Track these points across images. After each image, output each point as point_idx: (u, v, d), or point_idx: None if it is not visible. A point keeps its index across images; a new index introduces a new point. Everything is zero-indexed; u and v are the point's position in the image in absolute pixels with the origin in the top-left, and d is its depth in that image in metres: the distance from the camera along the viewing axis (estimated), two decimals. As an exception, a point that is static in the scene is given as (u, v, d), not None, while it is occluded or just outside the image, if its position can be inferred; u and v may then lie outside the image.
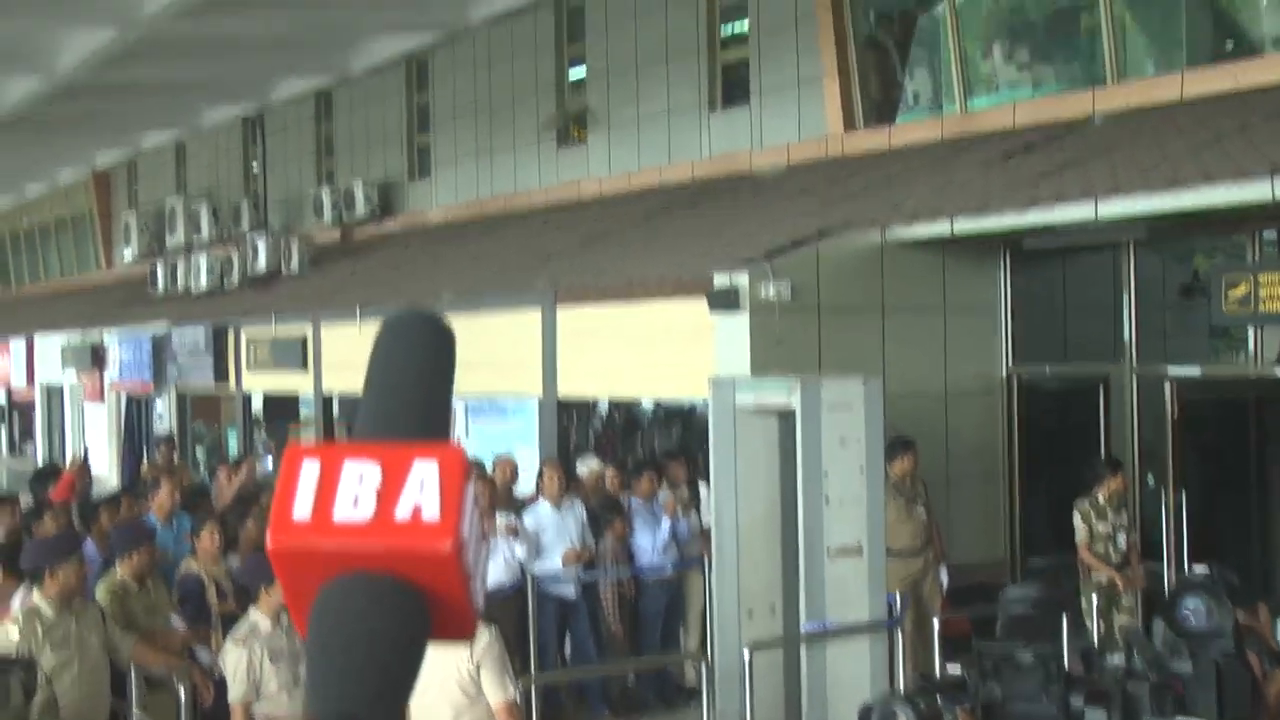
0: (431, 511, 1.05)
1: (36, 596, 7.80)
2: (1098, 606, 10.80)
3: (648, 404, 15.26)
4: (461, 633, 1.11)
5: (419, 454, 1.07)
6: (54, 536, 9.36)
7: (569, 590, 11.63)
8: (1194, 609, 1.75)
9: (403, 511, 1.05)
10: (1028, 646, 1.80)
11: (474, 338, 15.80)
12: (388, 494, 1.05)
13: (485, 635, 6.55)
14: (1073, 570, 11.38)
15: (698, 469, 12.83)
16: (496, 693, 6.50)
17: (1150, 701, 1.88)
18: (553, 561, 11.48)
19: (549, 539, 11.48)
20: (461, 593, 1.07)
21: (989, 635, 5.43)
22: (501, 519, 11.37)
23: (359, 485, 1.06)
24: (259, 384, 20.54)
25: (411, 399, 1.12)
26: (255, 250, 23.83)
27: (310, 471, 1.07)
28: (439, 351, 1.15)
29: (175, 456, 18.01)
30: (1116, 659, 1.83)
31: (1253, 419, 11.55)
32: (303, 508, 1.06)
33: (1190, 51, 13.93)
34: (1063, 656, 1.76)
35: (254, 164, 28.65)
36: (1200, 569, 2.08)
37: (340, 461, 1.07)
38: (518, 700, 6.67)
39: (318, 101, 26.66)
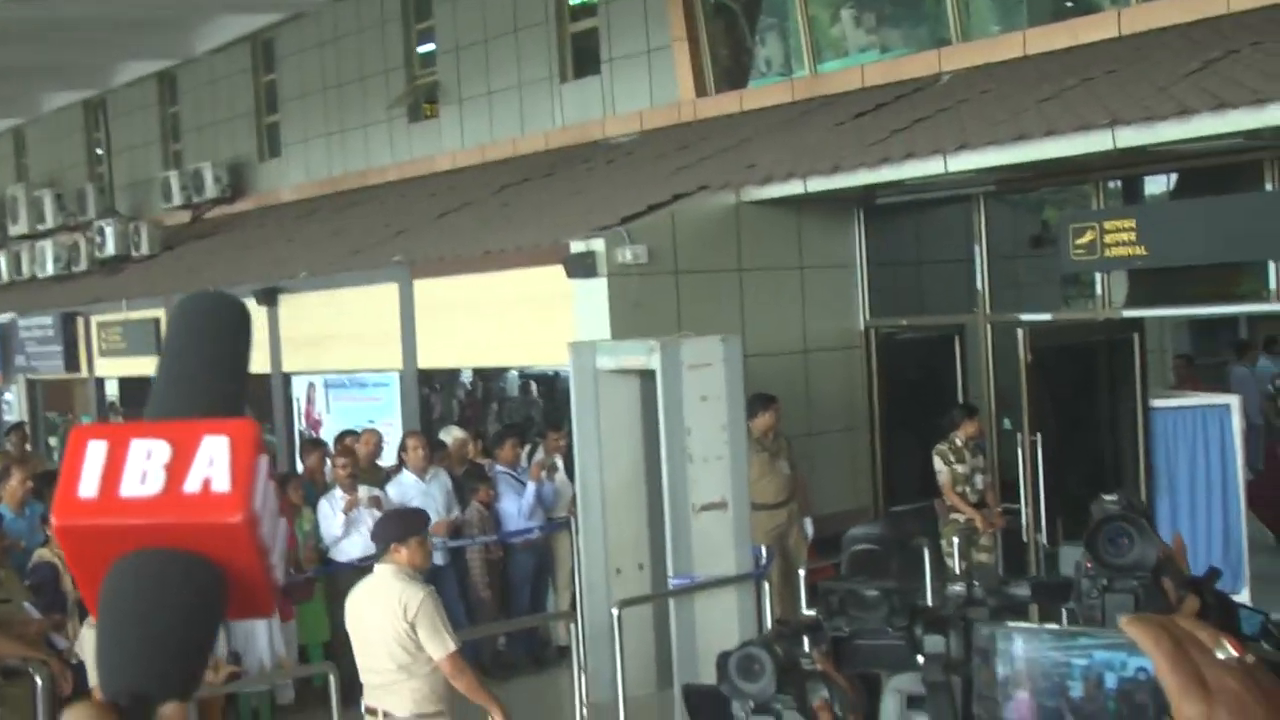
0: (222, 484, 1.03)
1: None
2: (958, 546, 11.01)
3: (512, 373, 15.24)
4: (259, 609, 1.09)
5: (209, 429, 1.05)
6: None
7: (436, 558, 11.58)
8: (1116, 543, 1.81)
9: (192, 485, 1.03)
10: (871, 582, 1.85)
11: (331, 314, 15.68)
12: (177, 469, 1.04)
13: (420, 594, 6.86)
14: (932, 514, 11.59)
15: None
16: (436, 648, 6.81)
17: (990, 622, 1.94)
18: None
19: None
20: (257, 568, 1.05)
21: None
22: (364, 491, 11.29)
23: (147, 461, 1.04)
24: (113, 369, 20.14)
25: (204, 378, 1.11)
26: (102, 235, 23.32)
27: (97, 450, 1.05)
28: (232, 330, 1.13)
29: (27, 445, 17.58)
30: (959, 588, 1.91)
31: (1103, 361, 11.83)
32: (89, 486, 1.03)
33: (1031, 10, 14.23)
34: (906, 591, 1.82)
35: (98, 149, 28.05)
36: (1110, 498, 2.14)
37: (128, 440, 1.05)
38: (460, 651, 6.91)
39: (161, 84, 26.17)
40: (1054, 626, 1.31)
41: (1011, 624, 1.34)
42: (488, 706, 6.91)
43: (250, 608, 1.08)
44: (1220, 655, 1.19)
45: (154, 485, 1.03)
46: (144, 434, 1.05)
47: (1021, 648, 1.27)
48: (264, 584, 1.07)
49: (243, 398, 1.12)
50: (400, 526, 7.20)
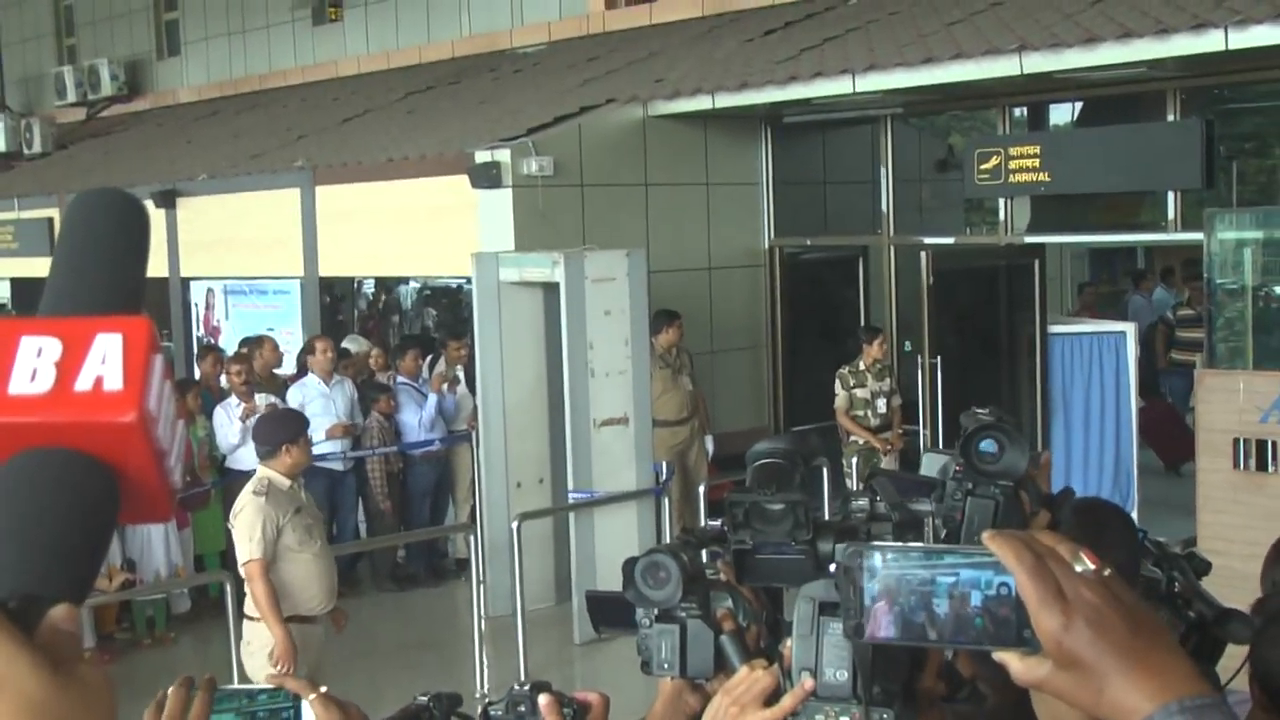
0: (114, 383, 0.99)
1: None
2: (856, 467, 11.13)
3: (412, 284, 15.12)
4: (156, 513, 1.07)
5: (102, 327, 1.01)
6: None
7: (337, 465, 11.55)
8: (990, 447, 1.84)
9: (83, 383, 0.99)
10: (776, 495, 1.86)
11: (231, 219, 15.45)
12: (68, 367, 1.00)
13: (245, 501, 7.20)
14: (834, 434, 11.70)
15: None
16: (241, 553, 7.12)
17: (894, 537, 1.98)
18: (318, 436, 11.34)
19: (315, 414, 11.31)
20: (152, 470, 1.03)
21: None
22: (261, 399, 11.17)
23: (37, 359, 1.00)
24: (4, 270, 19.72)
25: (99, 276, 1.07)
26: (-8, 130, 22.75)
27: None
28: (128, 228, 1.10)
29: None
30: (863, 502, 1.92)
31: (1003, 286, 11.95)
32: None
33: (943, -69, 14.19)
34: (810, 504, 1.83)
35: (-11, 43, 27.30)
36: (982, 410, 2.17)
37: (17, 337, 1.01)
38: (260, 563, 7.03)
39: (55, -25, 25.51)
40: (920, 545, 1.38)
41: (878, 543, 1.37)
42: (269, 625, 6.95)
43: (146, 512, 1.06)
44: (1079, 568, 1.23)
45: (44, 383, 0.99)
46: (35, 330, 1.01)
47: (888, 566, 1.29)
48: (160, 487, 1.04)
49: (139, 297, 1.09)
50: (287, 428, 7.39)
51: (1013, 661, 1.25)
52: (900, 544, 1.36)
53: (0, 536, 0.99)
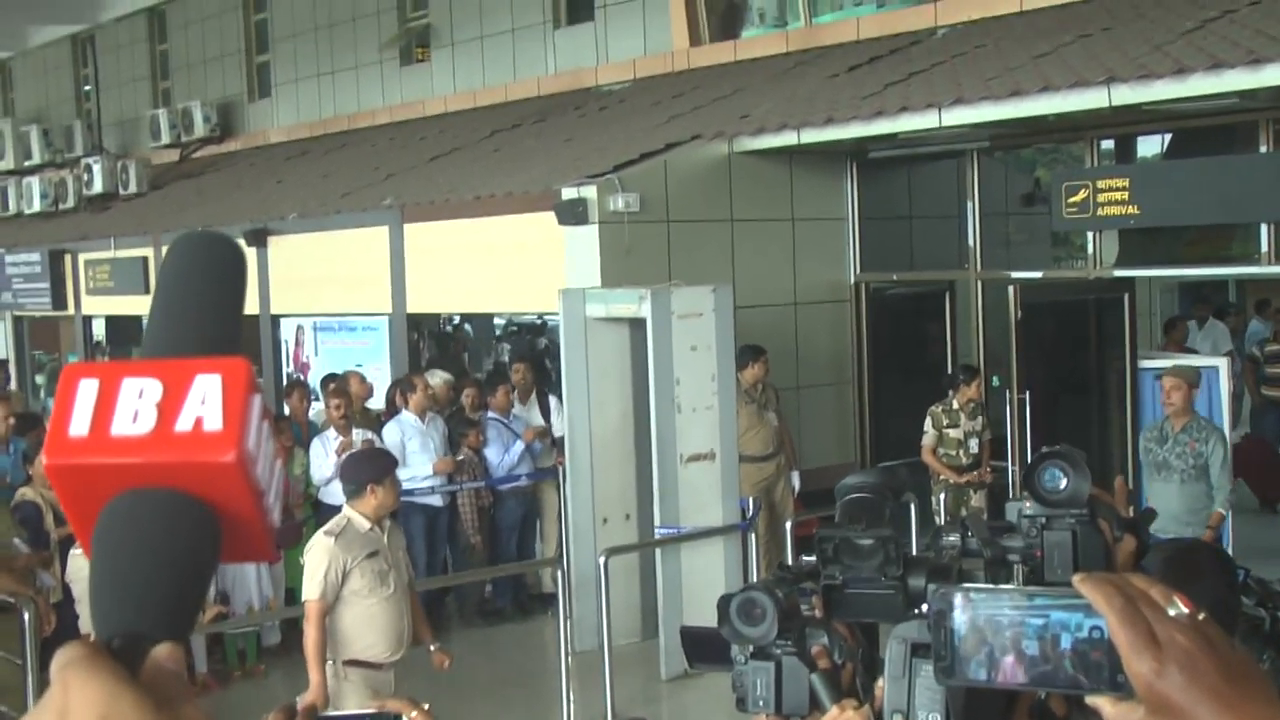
0: (214, 423, 1.01)
1: None
2: (945, 503, 11.04)
3: (499, 320, 15.23)
4: (256, 553, 1.07)
5: (201, 368, 1.03)
6: None
7: (434, 500, 11.62)
8: (1054, 477, 1.82)
9: (184, 424, 1.01)
10: (866, 530, 1.85)
11: (321, 256, 15.64)
12: (168, 408, 1.01)
13: (317, 541, 7.12)
14: (922, 470, 11.62)
15: (547, 378, 12.88)
16: (305, 591, 7.07)
17: (985, 575, 1.96)
18: (422, 471, 11.41)
19: (415, 450, 11.42)
20: (251, 509, 1.04)
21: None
22: (358, 434, 11.27)
23: (139, 400, 1.02)
24: (100, 308, 20.08)
25: (197, 317, 1.08)
26: (90, 172, 23.18)
27: (88, 389, 1.03)
28: (226, 270, 1.11)
29: (7, 382, 17.51)
30: (953, 538, 1.91)
31: (1092, 320, 11.84)
32: (80, 424, 1.01)
33: (1029, -36, 14.14)
34: (900, 540, 1.82)
35: (86, 85, 27.85)
36: (1047, 449, 2.17)
37: (119, 378, 1.03)
38: (320, 604, 6.99)
39: (151, 20, 25.99)
40: (1010, 587, 1.36)
41: (968, 585, 1.37)
42: (310, 668, 6.86)
43: (246, 551, 1.07)
44: (1172, 612, 1.21)
45: (145, 424, 1.01)
46: (136, 372, 1.03)
47: (978, 607, 1.29)
48: (259, 527, 1.05)
49: (237, 337, 1.10)
50: (374, 467, 7.29)
51: (1105, 706, 1.23)
52: (990, 586, 1.37)
53: (104, 577, 1.01)
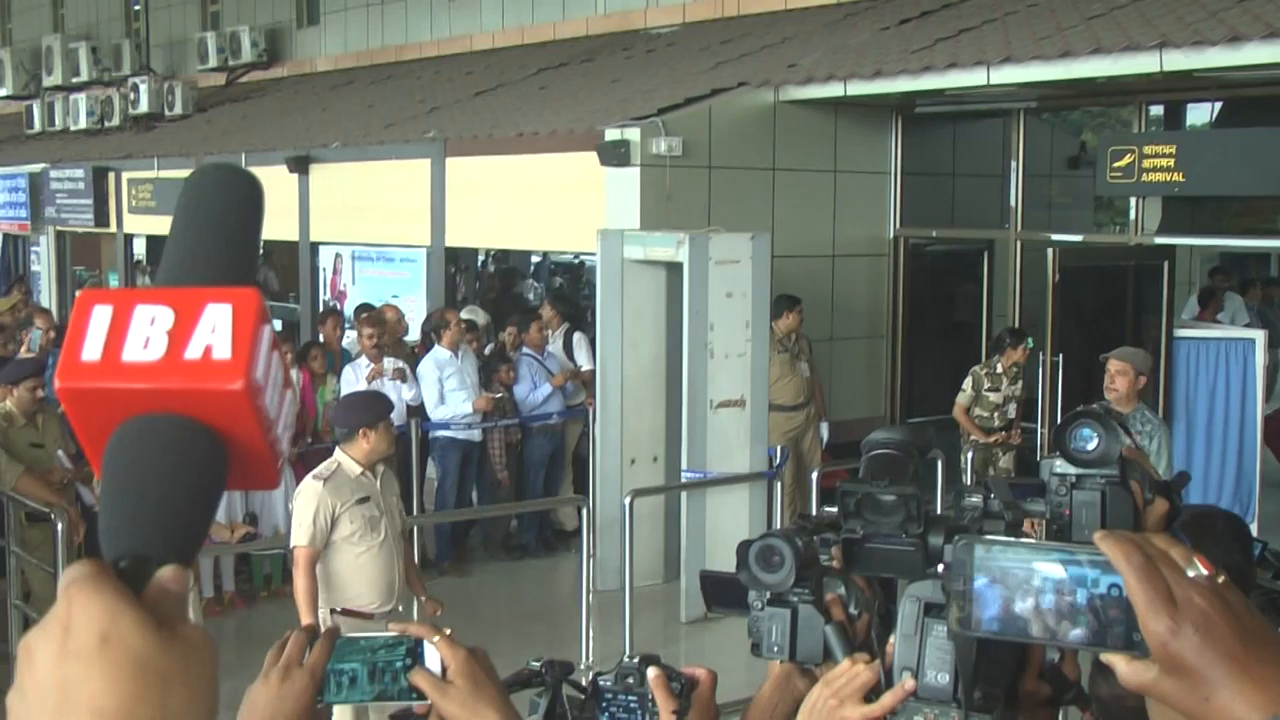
0: (223, 351, 1.03)
1: None
2: (973, 462, 11.03)
3: (535, 257, 15.25)
4: (263, 481, 1.10)
5: (212, 298, 1.05)
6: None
7: (475, 434, 11.67)
8: (1085, 436, 1.81)
9: (193, 351, 1.03)
10: (889, 486, 1.85)
11: (362, 186, 15.67)
12: (179, 336, 1.03)
13: (305, 486, 6.89)
14: (952, 428, 11.61)
15: (578, 317, 12.91)
16: (292, 537, 6.90)
17: (1006, 536, 1.96)
18: (461, 409, 11.46)
19: (453, 388, 11.46)
20: (259, 438, 1.06)
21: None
22: (389, 362, 11.34)
23: (150, 328, 1.04)
24: (142, 227, 20.17)
25: (212, 248, 1.10)
26: (137, 92, 23.24)
27: (102, 315, 1.04)
28: (243, 203, 1.13)
29: (30, 297, 17.59)
30: (976, 499, 1.90)
31: (1130, 287, 11.79)
32: (92, 349, 1.03)
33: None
34: (922, 497, 1.81)
35: (135, 5, 27.88)
36: (1088, 406, 2.16)
37: (132, 305, 1.05)
38: (307, 550, 6.81)
39: (203, -57, 25.99)
40: (1030, 540, 1.35)
41: (989, 536, 1.37)
42: (301, 618, 6.63)
43: (254, 478, 1.09)
44: (1191, 573, 1.22)
45: (156, 350, 1.03)
46: (149, 300, 1.05)
47: (997, 559, 1.30)
48: (266, 455, 1.07)
49: (252, 269, 1.12)
50: (371, 411, 6.98)
51: (1120, 664, 1.25)
52: (1010, 539, 1.36)
53: (113, 500, 1.04)
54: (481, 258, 15.63)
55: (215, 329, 1.03)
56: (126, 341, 1.03)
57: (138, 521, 1.03)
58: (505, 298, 15.53)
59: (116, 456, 1.04)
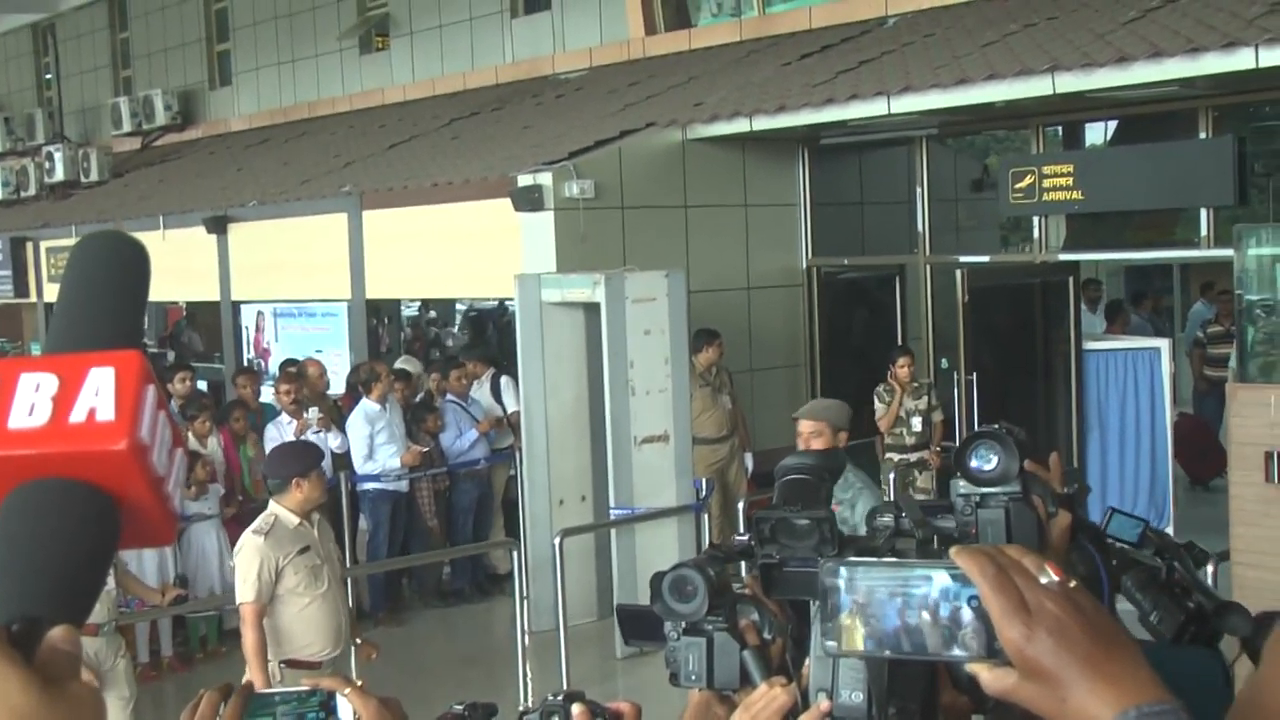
0: (106, 413, 1.04)
1: None
2: (894, 483, 11.23)
3: (458, 305, 15.35)
4: (158, 538, 1.11)
5: (95, 362, 1.07)
6: None
7: (403, 485, 11.74)
8: (984, 456, 1.88)
9: (78, 415, 1.04)
10: (802, 511, 1.90)
11: (281, 243, 15.72)
12: (63, 400, 1.05)
13: (246, 541, 6.85)
14: (869, 451, 11.81)
15: (501, 364, 13.02)
16: (239, 593, 6.85)
17: (917, 555, 2.00)
18: (390, 462, 11.55)
19: (382, 442, 11.54)
20: (149, 496, 1.07)
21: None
22: (312, 413, 11.42)
23: (35, 394, 1.05)
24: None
25: (95, 313, 1.12)
26: (52, 160, 23.15)
27: None
28: (126, 269, 1.16)
29: None
30: (887, 519, 1.96)
31: (1038, 303, 12.04)
32: None
33: (978, -45, 14.32)
34: (834, 520, 1.86)
35: (47, 74, 27.79)
36: (987, 427, 2.24)
37: (17, 374, 1.06)
38: (254, 606, 6.80)
39: (111, 9, 25.97)
40: (893, 559, 1.42)
41: (854, 558, 1.42)
42: (251, 671, 6.63)
43: (148, 535, 1.10)
44: (1043, 580, 1.27)
45: (41, 416, 1.04)
46: (33, 368, 1.07)
47: (862, 579, 1.34)
48: (159, 512, 1.09)
49: (138, 333, 1.15)
50: (299, 461, 7.01)
51: (982, 672, 1.28)
52: (874, 559, 1.41)
53: (4, 564, 1.05)
54: (414, 309, 15.70)
55: (99, 392, 1.05)
56: (12, 409, 1.05)
57: (28, 585, 1.04)
58: (436, 346, 15.59)
59: (7, 523, 1.04)
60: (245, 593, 6.72)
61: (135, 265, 1.17)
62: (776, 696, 1.94)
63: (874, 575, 1.34)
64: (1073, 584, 1.28)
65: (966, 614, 1.29)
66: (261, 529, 6.81)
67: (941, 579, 1.31)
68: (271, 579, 6.72)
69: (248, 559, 6.75)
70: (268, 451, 11.35)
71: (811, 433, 7.39)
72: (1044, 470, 2.24)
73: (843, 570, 1.36)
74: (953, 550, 1.30)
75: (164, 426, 1.10)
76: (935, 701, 1.85)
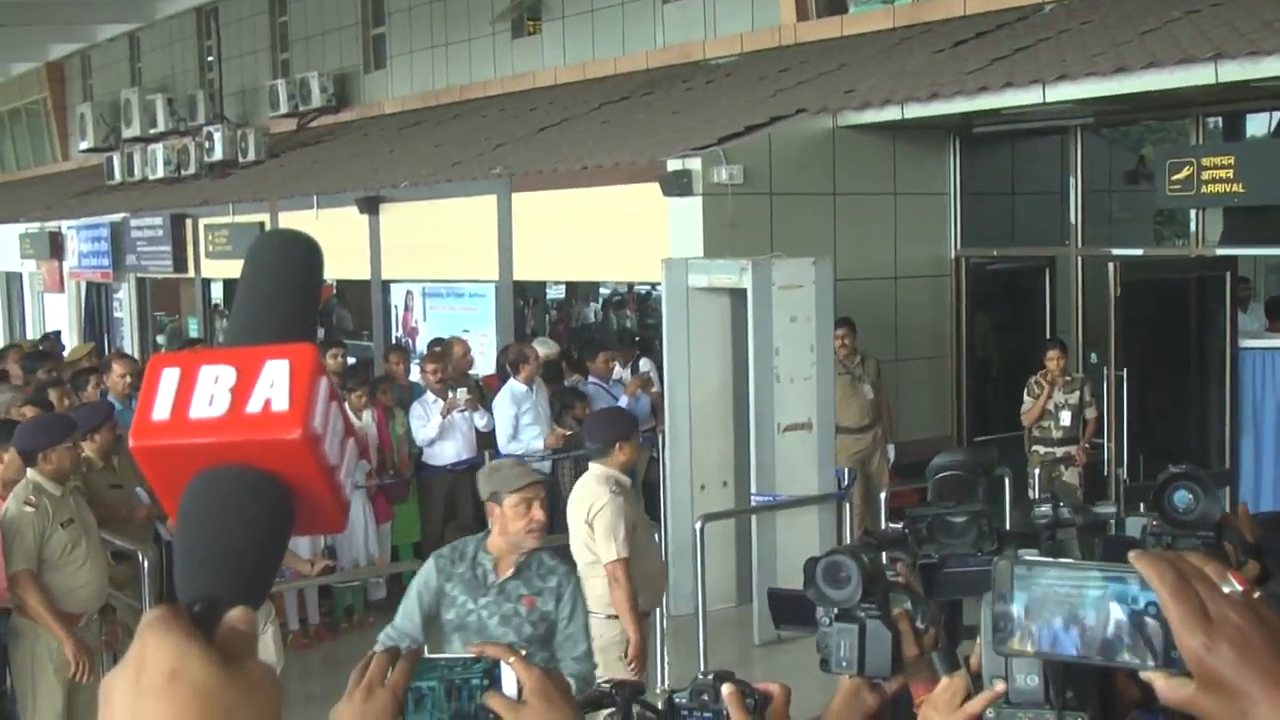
0: (281, 404, 1.11)
1: (35, 475, 7.43)
2: (1040, 478, 11.07)
3: (603, 289, 15.43)
4: (329, 525, 1.17)
5: (271, 355, 1.13)
6: (47, 417, 8.78)
7: (546, 467, 11.81)
8: (1183, 499, 1.85)
9: (254, 405, 1.11)
10: (958, 508, 1.88)
11: (431, 224, 15.93)
12: (241, 392, 1.12)
13: (604, 499, 7.08)
14: (1017, 445, 11.66)
15: (647, 350, 13.05)
16: (605, 552, 7.02)
17: (1078, 544, 1.97)
18: (534, 444, 11.63)
19: (527, 423, 11.63)
20: (321, 484, 1.13)
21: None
22: (461, 394, 11.54)
23: (214, 386, 1.12)
24: (218, 271, 20.55)
25: (271, 309, 1.19)
26: (211, 140, 23.73)
27: (170, 377, 1.13)
28: (301, 266, 1.22)
29: (61, 351, 17.63)
30: (1046, 509, 1.93)
31: (1193, 298, 11.78)
32: (162, 409, 1.12)
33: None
34: (992, 514, 1.84)
35: (209, 57, 28.43)
36: (1177, 469, 2.19)
37: (198, 366, 1.14)
38: (624, 562, 7.00)
39: (272, -7, 26.48)
40: (1068, 560, 1.38)
41: (1028, 557, 1.40)
42: (625, 624, 6.95)
43: (320, 523, 1.16)
44: (1225, 589, 1.23)
45: (220, 406, 1.11)
46: (213, 360, 1.14)
47: (1036, 579, 1.33)
48: (331, 500, 1.15)
49: (310, 327, 1.21)
50: (623, 425, 7.43)
51: (1158, 680, 1.26)
52: (1049, 559, 1.39)
53: (186, 547, 1.12)
54: (560, 290, 15.80)
55: (274, 384, 1.12)
56: (193, 400, 1.12)
57: (209, 567, 1.11)
58: (583, 331, 15.67)
59: (189, 507, 1.12)
60: (618, 549, 6.98)
61: (309, 263, 1.23)
62: (958, 691, 1.93)
63: (1049, 575, 1.33)
64: (1257, 595, 1.24)
65: (1144, 621, 1.27)
66: (618, 490, 7.11)
67: (1118, 583, 1.29)
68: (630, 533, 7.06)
69: (612, 515, 7.02)
70: (412, 431, 11.54)
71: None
72: (1236, 520, 2.20)
73: (1018, 569, 1.34)
74: (1132, 554, 1.28)
75: (336, 417, 1.16)
76: (1113, 687, 1.84)
